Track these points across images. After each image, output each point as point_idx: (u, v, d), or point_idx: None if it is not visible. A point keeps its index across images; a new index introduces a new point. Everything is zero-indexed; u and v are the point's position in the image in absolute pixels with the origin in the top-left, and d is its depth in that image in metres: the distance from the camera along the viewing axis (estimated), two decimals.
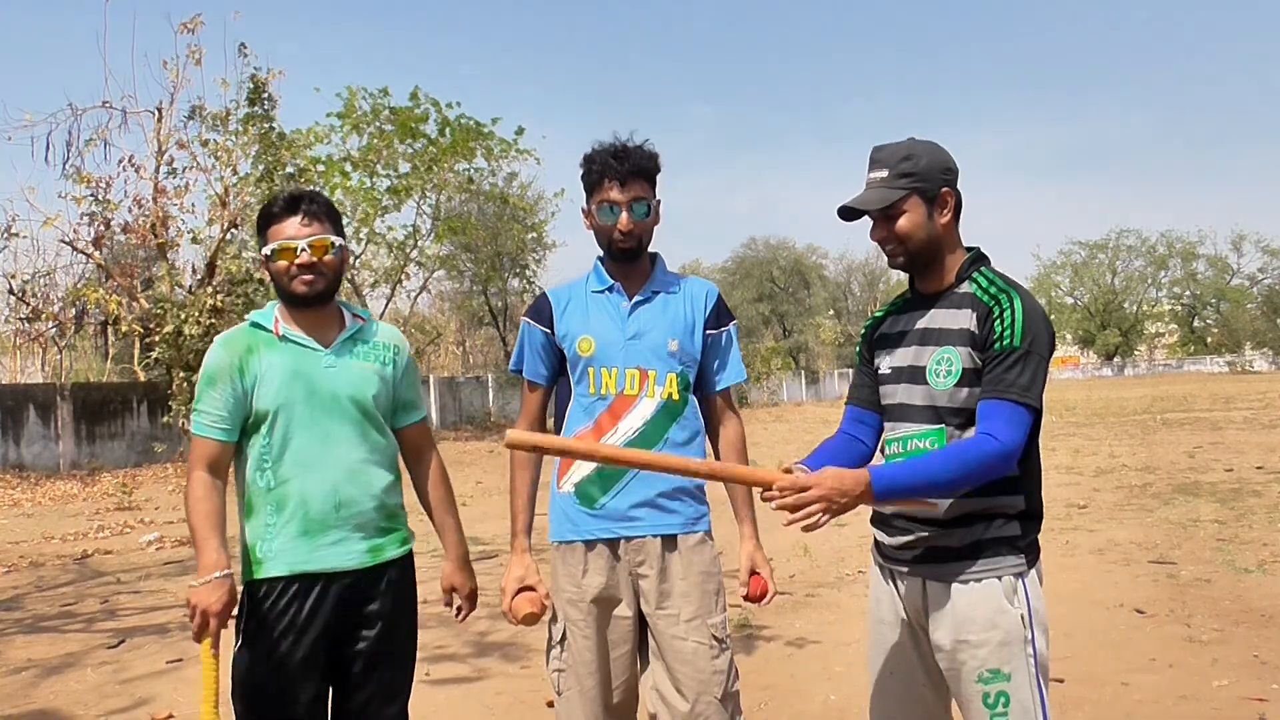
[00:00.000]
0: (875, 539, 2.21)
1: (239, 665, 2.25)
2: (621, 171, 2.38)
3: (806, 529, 1.87)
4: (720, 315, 2.52)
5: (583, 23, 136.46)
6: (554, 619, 2.46)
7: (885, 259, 2.19)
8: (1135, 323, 74.78)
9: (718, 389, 2.53)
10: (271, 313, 2.31)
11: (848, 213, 2.07)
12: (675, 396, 2.41)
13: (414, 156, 21.34)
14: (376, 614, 2.30)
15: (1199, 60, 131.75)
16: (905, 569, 2.10)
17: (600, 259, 2.52)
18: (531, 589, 2.42)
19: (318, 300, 2.29)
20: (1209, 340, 77.80)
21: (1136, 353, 77.00)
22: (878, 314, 2.28)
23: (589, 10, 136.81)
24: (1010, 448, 1.88)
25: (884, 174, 2.05)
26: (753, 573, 2.49)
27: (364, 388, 2.30)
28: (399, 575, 2.37)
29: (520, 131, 22.19)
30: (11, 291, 18.15)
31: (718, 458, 2.53)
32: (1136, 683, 4.04)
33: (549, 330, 2.48)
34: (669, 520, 2.39)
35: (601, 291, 2.47)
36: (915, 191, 2.03)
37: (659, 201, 2.48)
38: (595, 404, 2.41)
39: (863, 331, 2.29)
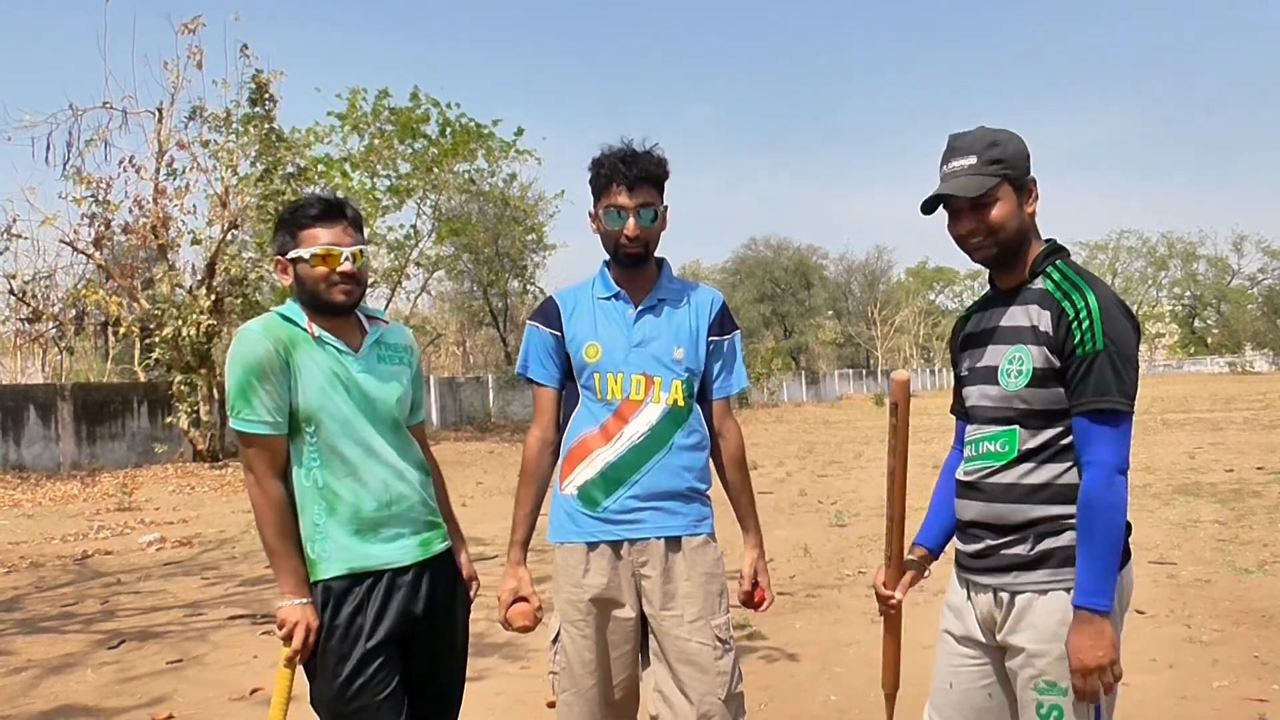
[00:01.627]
0: (955, 547, 2.17)
1: (321, 673, 2.17)
2: (629, 176, 2.36)
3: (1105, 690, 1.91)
4: (724, 323, 2.52)
5: (582, 23, 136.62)
6: (554, 619, 2.46)
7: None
8: None
9: (719, 396, 2.53)
10: (300, 311, 2.24)
11: (928, 205, 2.00)
12: (681, 403, 2.41)
13: (414, 157, 21.34)
14: (433, 614, 2.28)
15: (1199, 60, 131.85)
16: (979, 578, 2.05)
17: (606, 264, 2.50)
18: (525, 600, 2.44)
19: (352, 310, 2.26)
20: (1209, 341, 77.88)
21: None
22: (963, 314, 2.21)
23: (589, 10, 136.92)
24: (1116, 462, 1.84)
25: (971, 160, 1.95)
26: (754, 582, 2.52)
27: (395, 391, 2.28)
28: (449, 571, 2.36)
29: (519, 132, 22.18)
30: (12, 292, 18.12)
31: (718, 467, 2.55)
32: (1137, 683, 4.03)
33: (558, 333, 2.46)
34: (673, 522, 2.39)
35: (608, 298, 2.46)
36: (1006, 179, 1.95)
37: (666, 208, 2.46)
38: (602, 409, 2.41)
39: (952, 333, 2.24)
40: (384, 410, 2.24)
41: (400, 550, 2.23)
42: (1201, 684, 4.10)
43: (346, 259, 2.19)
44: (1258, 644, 4.64)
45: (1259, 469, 11.75)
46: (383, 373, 2.28)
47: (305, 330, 2.21)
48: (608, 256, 2.49)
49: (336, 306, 2.22)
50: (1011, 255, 2.01)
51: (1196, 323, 79.27)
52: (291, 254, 2.21)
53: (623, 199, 2.37)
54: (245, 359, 2.13)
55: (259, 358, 2.13)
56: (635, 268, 2.44)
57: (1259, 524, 7.97)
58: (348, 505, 2.19)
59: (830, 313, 58.91)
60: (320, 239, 2.19)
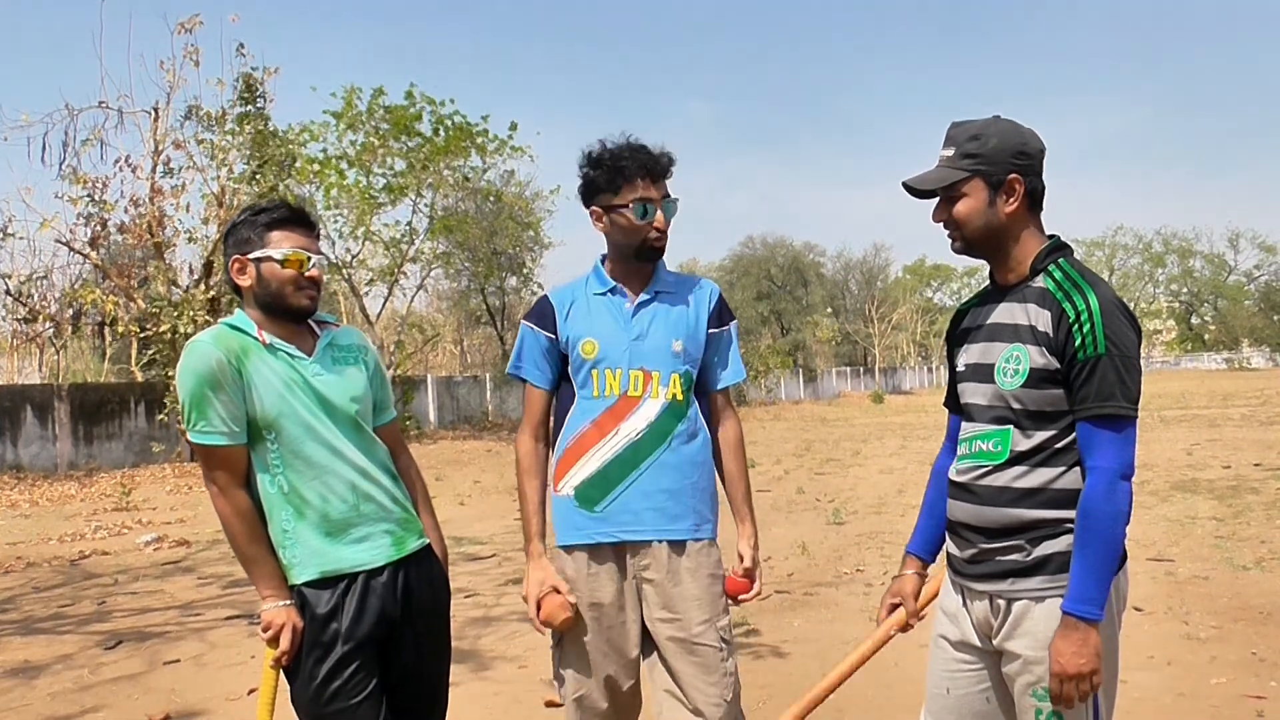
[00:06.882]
0: (947, 550, 2.13)
1: (299, 676, 2.18)
2: (655, 169, 2.35)
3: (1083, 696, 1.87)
4: (722, 314, 2.50)
5: (578, 18, 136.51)
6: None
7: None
8: None
9: (718, 387, 2.52)
10: (249, 320, 2.24)
11: (913, 189, 1.98)
12: (679, 396, 2.39)
13: (409, 154, 21.31)
14: (412, 613, 2.27)
15: (1195, 57, 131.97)
16: (974, 584, 2.01)
17: (600, 260, 2.48)
18: (556, 591, 2.35)
19: (311, 315, 2.27)
20: (1206, 337, 78.02)
21: None
22: (961, 307, 2.18)
23: (584, 5, 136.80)
24: (1118, 468, 1.82)
25: (950, 152, 1.95)
26: (745, 573, 2.48)
27: (354, 391, 2.28)
28: (428, 568, 2.35)
29: (514, 127, 22.08)
30: (8, 292, 18.13)
31: (716, 456, 2.52)
32: (1135, 680, 4.03)
33: (553, 335, 2.44)
34: (675, 525, 2.36)
35: (603, 294, 2.44)
36: (978, 174, 1.92)
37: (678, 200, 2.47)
38: (596, 405, 2.38)
39: (948, 326, 2.21)
40: (342, 411, 2.24)
41: (371, 551, 2.23)
42: (1199, 681, 4.10)
43: (315, 264, 2.23)
44: (1255, 641, 4.64)
45: (1256, 465, 11.76)
46: (338, 374, 2.28)
47: (255, 338, 2.20)
48: (605, 252, 2.47)
49: (298, 311, 2.23)
50: (988, 250, 1.99)
51: (1194, 319, 79.43)
52: (257, 253, 2.20)
53: (651, 191, 2.35)
54: (197, 370, 2.11)
55: (211, 368, 2.11)
56: (656, 260, 2.43)
57: (1256, 520, 7.98)
58: (315, 509, 2.19)
59: (828, 310, 58.89)
60: (291, 241, 2.21)
